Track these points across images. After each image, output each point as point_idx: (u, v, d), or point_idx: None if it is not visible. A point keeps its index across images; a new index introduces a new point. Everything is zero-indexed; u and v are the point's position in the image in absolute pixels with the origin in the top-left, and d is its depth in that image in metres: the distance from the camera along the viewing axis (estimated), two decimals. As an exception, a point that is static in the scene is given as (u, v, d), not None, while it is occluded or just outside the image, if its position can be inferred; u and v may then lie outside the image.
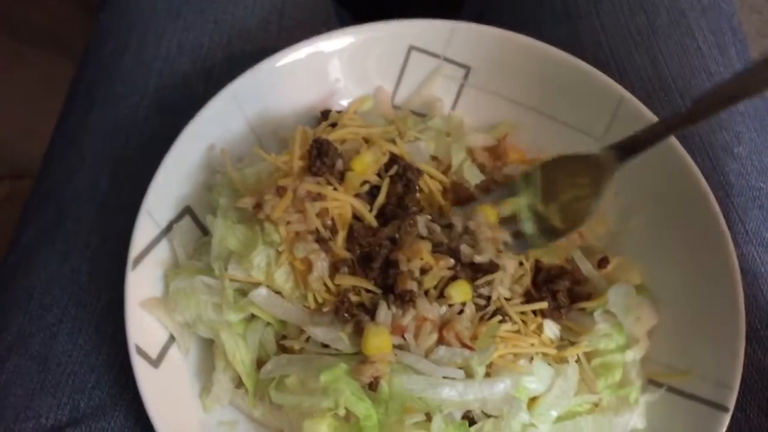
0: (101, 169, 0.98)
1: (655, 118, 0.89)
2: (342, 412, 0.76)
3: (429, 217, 0.85)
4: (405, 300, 0.79)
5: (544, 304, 0.83)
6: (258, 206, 0.82)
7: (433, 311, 0.80)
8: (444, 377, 0.76)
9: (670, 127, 0.80)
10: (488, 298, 0.82)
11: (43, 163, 1.06)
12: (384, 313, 0.79)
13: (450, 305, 0.81)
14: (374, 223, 0.85)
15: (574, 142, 0.94)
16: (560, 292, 0.85)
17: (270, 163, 0.87)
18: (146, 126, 1.00)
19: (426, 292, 0.82)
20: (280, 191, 0.82)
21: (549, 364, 0.82)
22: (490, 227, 0.85)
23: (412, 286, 0.80)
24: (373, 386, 0.76)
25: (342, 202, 0.83)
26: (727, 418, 0.78)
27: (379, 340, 0.76)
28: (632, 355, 0.84)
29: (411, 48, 0.97)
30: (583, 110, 0.94)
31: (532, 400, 0.81)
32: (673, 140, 0.88)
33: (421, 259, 0.81)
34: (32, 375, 0.87)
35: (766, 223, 0.95)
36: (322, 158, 0.84)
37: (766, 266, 0.92)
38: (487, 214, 0.86)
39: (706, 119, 0.77)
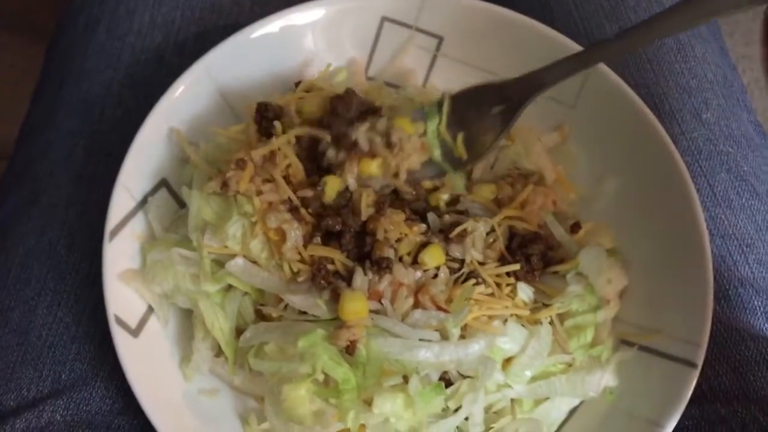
0: (76, 143, 0.98)
1: (624, 85, 0.90)
2: (320, 376, 0.77)
3: (367, 125, 0.84)
4: (382, 266, 0.80)
5: (516, 266, 0.84)
6: (225, 185, 0.83)
7: (409, 276, 0.81)
8: (420, 340, 0.77)
9: (585, 61, 0.81)
10: (461, 262, 0.84)
11: (18, 139, 1.05)
12: (360, 279, 0.80)
13: (425, 270, 0.83)
14: (327, 138, 0.83)
15: (545, 110, 0.95)
16: (534, 256, 0.86)
17: (227, 137, 0.88)
18: (120, 100, 1.00)
19: (400, 258, 0.83)
20: (240, 164, 0.82)
21: (522, 326, 0.83)
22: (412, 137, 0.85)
23: (389, 253, 0.81)
24: (350, 350, 0.77)
25: (283, 141, 0.83)
26: (695, 374, 0.80)
27: (355, 305, 0.77)
28: (604, 315, 0.86)
29: (383, 19, 0.97)
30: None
31: (507, 361, 0.83)
32: (643, 107, 0.89)
33: (402, 233, 0.83)
34: (12, 348, 0.88)
35: (734, 186, 0.96)
36: (266, 117, 0.85)
37: (734, 228, 0.94)
38: (405, 127, 0.85)
39: (627, 53, 0.80)
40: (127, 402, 0.86)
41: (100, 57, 1.03)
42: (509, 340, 0.81)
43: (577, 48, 0.92)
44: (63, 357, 0.88)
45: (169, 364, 0.86)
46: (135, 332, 0.84)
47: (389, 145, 0.83)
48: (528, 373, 0.83)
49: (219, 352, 0.86)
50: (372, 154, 0.83)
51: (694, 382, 0.80)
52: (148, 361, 0.84)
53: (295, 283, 0.82)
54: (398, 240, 0.83)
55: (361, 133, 0.83)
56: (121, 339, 0.81)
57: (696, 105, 1.01)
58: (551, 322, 0.85)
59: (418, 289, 0.81)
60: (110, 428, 0.85)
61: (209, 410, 0.85)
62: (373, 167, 0.83)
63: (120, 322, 0.82)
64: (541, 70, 0.83)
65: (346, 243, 0.82)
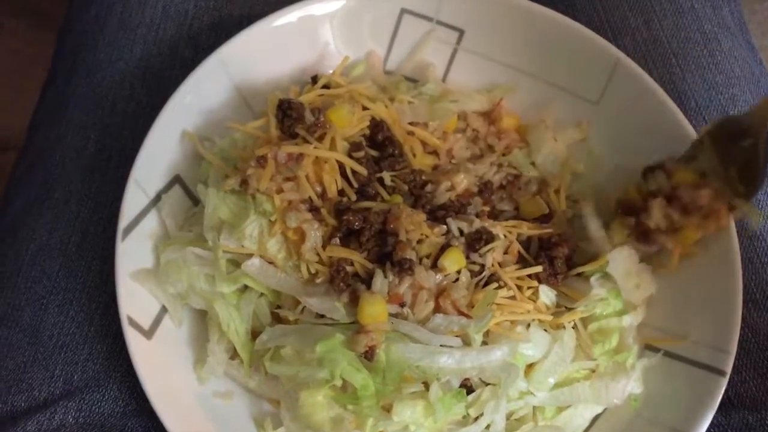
0: (87, 137, 0.95)
1: (651, 81, 0.87)
2: (339, 382, 0.74)
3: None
4: (404, 268, 0.77)
5: (538, 268, 0.81)
6: (245, 182, 0.80)
7: (430, 279, 0.78)
8: (441, 345, 0.75)
9: None
10: (482, 265, 0.81)
11: (28, 131, 1.02)
12: (380, 281, 0.77)
13: (446, 274, 0.79)
14: (364, 172, 0.83)
15: (570, 107, 0.92)
16: (558, 259, 0.84)
17: (245, 132, 0.85)
18: (132, 93, 0.97)
19: (420, 261, 0.80)
20: (261, 161, 0.80)
21: (545, 330, 0.80)
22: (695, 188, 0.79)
23: (411, 254, 0.78)
24: (368, 356, 0.74)
25: (327, 157, 0.81)
26: (724, 382, 0.77)
27: (374, 309, 0.74)
28: (629, 320, 0.83)
29: (403, 11, 0.94)
30: (578, 74, 0.91)
31: (530, 367, 0.80)
32: (670, 104, 0.86)
33: (422, 234, 0.80)
34: (23, 347, 0.85)
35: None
36: (290, 116, 0.82)
37: (762, 228, 0.90)
38: (685, 177, 0.80)
39: None
40: (140, 404, 0.83)
41: (112, 49, 1.00)
42: (532, 345, 0.79)
43: (603, 42, 0.89)
44: (75, 357, 0.85)
45: (182, 366, 0.84)
46: (148, 333, 0.81)
47: (687, 212, 0.80)
48: (551, 380, 0.80)
49: (234, 355, 0.83)
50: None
51: (722, 391, 0.77)
52: (162, 363, 0.81)
53: (313, 284, 0.79)
54: (418, 242, 0.80)
55: (655, 215, 0.80)
56: (133, 340, 0.79)
57: (723, 101, 0.97)
58: (575, 327, 0.82)
59: (439, 293, 0.78)
60: (123, 431, 0.83)
61: (223, 413, 0.83)
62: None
63: (133, 323, 0.79)
64: None
65: (365, 242, 0.79)
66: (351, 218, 0.79)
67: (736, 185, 0.78)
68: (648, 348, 0.84)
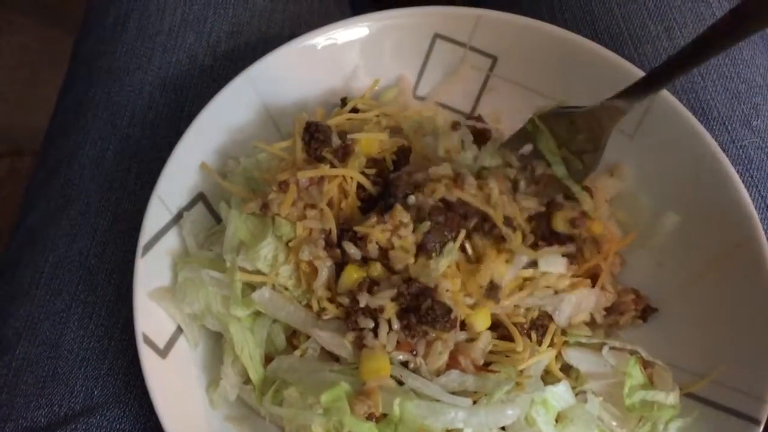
0: (106, 147, 0.91)
1: (690, 116, 0.82)
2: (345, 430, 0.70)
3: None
4: (430, 319, 0.72)
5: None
6: (265, 206, 0.76)
7: (451, 334, 0.73)
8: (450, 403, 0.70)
9: (664, 76, 0.73)
10: None
11: (45, 140, 0.97)
12: (385, 334, 0.72)
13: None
14: (374, 192, 0.80)
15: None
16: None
17: (270, 153, 0.82)
18: (152, 103, 0.93)
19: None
20: (283, 186, 0.76)
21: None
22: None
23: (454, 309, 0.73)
24: (371, 418, 0.70)
25: (339, 174, 0.78)
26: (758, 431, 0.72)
27: (376, 365, 0.71)
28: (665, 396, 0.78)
29: (436, 36, 0.89)
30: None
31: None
32: (708, 138, 0.81)
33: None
34: (43, 362, 0.82)
35: (787, 196, 0.89)
36: (317, 139, 0.78)
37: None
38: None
39: (696, 66, 0.71)
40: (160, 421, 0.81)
41: (130, 57, 0.95)
42: (558, 395, 0.74)
43: (633, 69, 0.84)
44: (95, 372, 0.81)
45: (196, 387, 0.80)
46: (163, 353, 0.77)
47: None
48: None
49: (248, 379, 0.79)
50: None
51: None
52: (175, 383, 0.77)
53: (324, 321, 0.76)
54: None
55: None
56: (148, 359, 0.75)
57: (746, 111, 0.92)
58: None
59: (455, 348, 0.74)
60: (144, 448, 0.79)
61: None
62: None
63: (148, 341, 0.75)
64: (619, 94, 0.76)
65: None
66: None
67: (574, 162, 0.82)
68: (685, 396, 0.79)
